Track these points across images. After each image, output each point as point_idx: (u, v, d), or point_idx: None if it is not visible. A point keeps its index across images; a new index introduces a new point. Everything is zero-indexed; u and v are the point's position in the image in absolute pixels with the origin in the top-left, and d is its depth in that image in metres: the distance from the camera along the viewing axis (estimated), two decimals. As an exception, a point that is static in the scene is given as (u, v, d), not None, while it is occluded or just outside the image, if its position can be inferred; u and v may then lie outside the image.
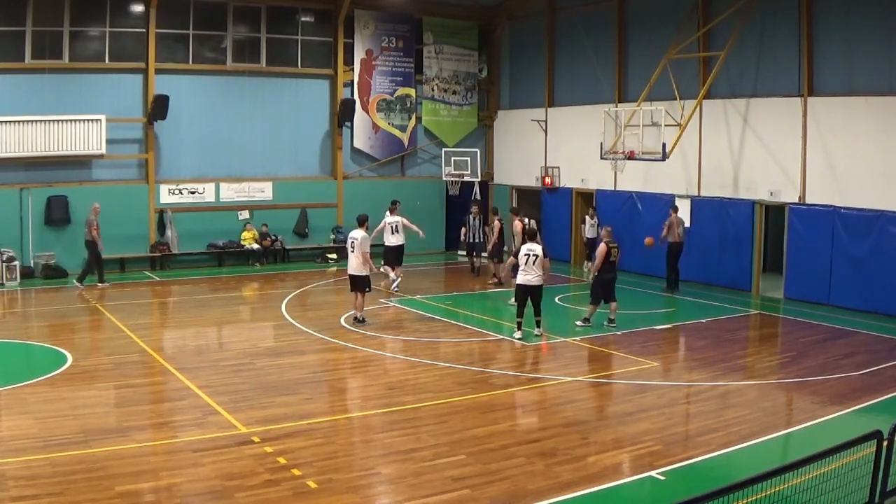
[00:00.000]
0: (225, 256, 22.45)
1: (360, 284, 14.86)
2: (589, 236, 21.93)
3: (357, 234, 14.84)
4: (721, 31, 18.89)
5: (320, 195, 23.99)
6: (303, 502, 7.39)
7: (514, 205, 25.02)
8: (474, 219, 20.87)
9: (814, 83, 17.72)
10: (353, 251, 14.84)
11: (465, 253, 22.46)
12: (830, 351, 13.50)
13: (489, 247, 19.93)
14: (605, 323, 15.04)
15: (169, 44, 21.64)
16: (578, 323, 15.04)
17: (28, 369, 12.06)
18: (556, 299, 17.88)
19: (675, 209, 19.30)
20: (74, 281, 18.83)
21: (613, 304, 15.07)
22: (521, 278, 13.89)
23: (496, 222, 19.71)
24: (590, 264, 18.75)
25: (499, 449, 8.77)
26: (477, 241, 20.98)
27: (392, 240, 18.95)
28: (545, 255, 13.90)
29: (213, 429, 9.26)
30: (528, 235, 14.41)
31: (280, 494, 7.51)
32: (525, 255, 13.85)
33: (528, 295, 13.90)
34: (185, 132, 21.90)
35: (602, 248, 14.76)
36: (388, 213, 19.30)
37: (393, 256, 19.00)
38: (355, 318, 15.08)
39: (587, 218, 22.15)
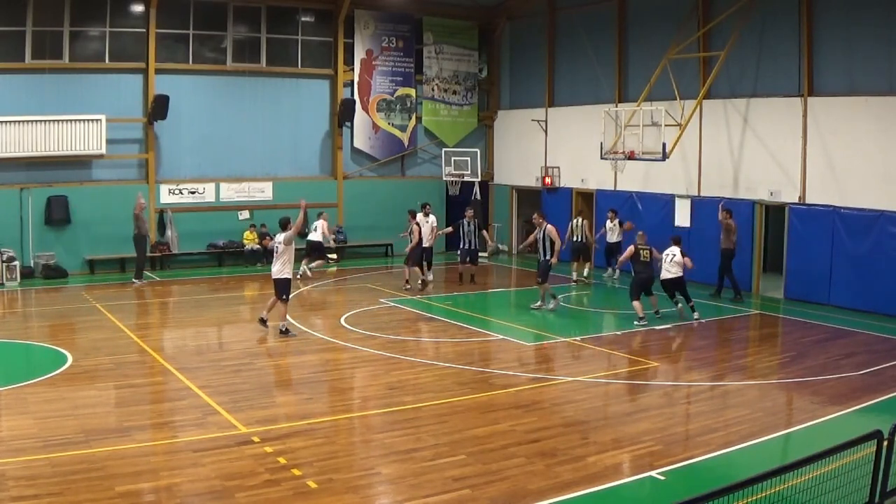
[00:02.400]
0: (225, 256, 22.45)
1: (279, 289, 14.08)
2: (609, 240, 20.46)
3: (280, 237, 14.09)
4: (721, 31, 18.89)
5: (320, 195, 23.96)
6: (303, 502, 7.39)
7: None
8: (469, 223, 19.72)
9: (814, 83, 17.72)
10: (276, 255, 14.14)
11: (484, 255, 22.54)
12: (830, 351, 13.50)
13: (408, 249, 18.87)
14: (655, 314, 15.76)
15: (169, 44, 21.65)
16: (636, 322, 15.32)
17: (28, 369, 12.06)
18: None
19: (730, 213, 18.17)
20: (133, 279, 19.42)
21: (653, 298, 15.91)
22: (663, 275, 15.90)
23: (413, 225, 18.83)
24: (612, 269, 20.42)
25: (499, 449, 8.77)
26: (472, 248, 19.72)
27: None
28: (684, 256, 16.07)
29: (213, 429, 9.26)
30: (674, 241, 16.25)
31: (280, 494, 7.51)
32: (666, 255, 15.95)
33: (673, 288, 16.03)
34: (185, 132, 21.91)
35: (630, 248, 16.00)
36: (421, 215, 19.43)
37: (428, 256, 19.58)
38: (280, 331, 14.12)
39: (607, 221, 20.57)
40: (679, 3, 20.39)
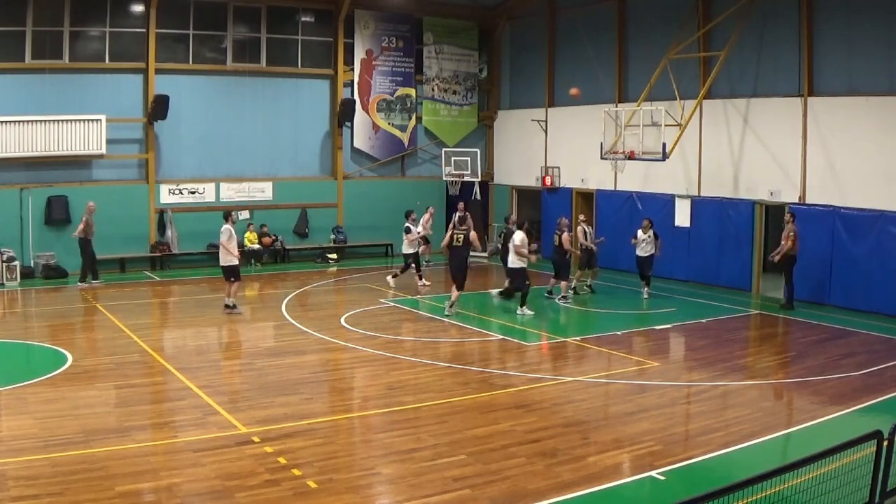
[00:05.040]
0: (225, 256, 22.42)
1: (227, 274, 15.96)
2: (641, 254, 18.11)
3: (224, 228, 15.81)
4: (721, 31, 18.88)
5: (320, 195, 23.99)
6: (303, 502, 7.39)
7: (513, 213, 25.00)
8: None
9: (814, 83, 17.72)
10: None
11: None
12: (830, 351, 13.50)
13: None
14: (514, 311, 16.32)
15: (169, 44, 21.65)
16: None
17: (28, 369, 12.06)
18: (557, 300, 17.86)
19: (794, 216, 17.12)
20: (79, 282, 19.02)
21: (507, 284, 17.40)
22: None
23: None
24: (646, 288, 18.29)
25: (499, 449, 8.77)
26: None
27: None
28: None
29: (213, 429, 9.26)
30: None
31: (280, 494, 7.51)
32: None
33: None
34: (185, 132, 21.91)
35: (521, 234, 16.23)
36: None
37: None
38: (225, 305, 16.07)
39: (640, 232, 18.22)
40: (679, 3, 20.38)
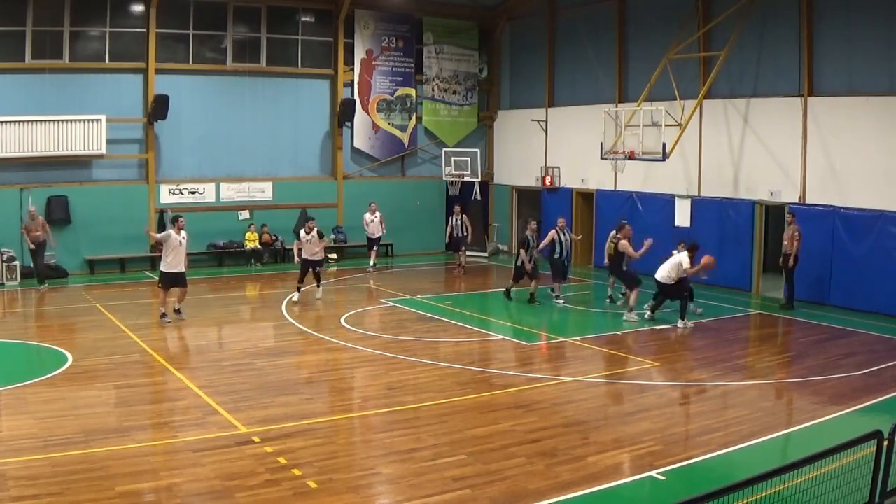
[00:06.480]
0: (225, 256, 22.45)
1: (183, 281, 15.46)
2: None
3: (183, 234, 15.34)
4: (721, 31, 18.89)
5: (320, 195, 23.98)
6: (303, 502, 7.39)
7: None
8: (457, 218, 21.73)
9: (814, 83, 17.72)
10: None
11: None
12: (830, 351, 13.50)
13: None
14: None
15: (169, 44, 21.65)
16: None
17: (28, 369, 12.06)
18: (554, 300, 17.84)
19: (795, 216, 16.87)
20: (44, 285, 18.57)
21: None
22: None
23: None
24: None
25: (499, 449, 8.77)
26: (460, 236, 21.78)
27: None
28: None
29: (213, 429, 9.26)
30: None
31: (280, 494, 7.51)
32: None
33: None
34: (185, 132, 21.91)
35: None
36: (303, 231, 17.47)
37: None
38: (162, 314, 15.30)
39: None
40: (679, 3, 20.38)
